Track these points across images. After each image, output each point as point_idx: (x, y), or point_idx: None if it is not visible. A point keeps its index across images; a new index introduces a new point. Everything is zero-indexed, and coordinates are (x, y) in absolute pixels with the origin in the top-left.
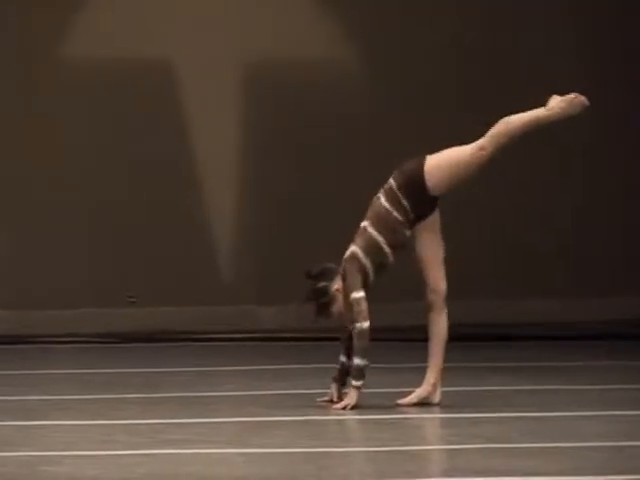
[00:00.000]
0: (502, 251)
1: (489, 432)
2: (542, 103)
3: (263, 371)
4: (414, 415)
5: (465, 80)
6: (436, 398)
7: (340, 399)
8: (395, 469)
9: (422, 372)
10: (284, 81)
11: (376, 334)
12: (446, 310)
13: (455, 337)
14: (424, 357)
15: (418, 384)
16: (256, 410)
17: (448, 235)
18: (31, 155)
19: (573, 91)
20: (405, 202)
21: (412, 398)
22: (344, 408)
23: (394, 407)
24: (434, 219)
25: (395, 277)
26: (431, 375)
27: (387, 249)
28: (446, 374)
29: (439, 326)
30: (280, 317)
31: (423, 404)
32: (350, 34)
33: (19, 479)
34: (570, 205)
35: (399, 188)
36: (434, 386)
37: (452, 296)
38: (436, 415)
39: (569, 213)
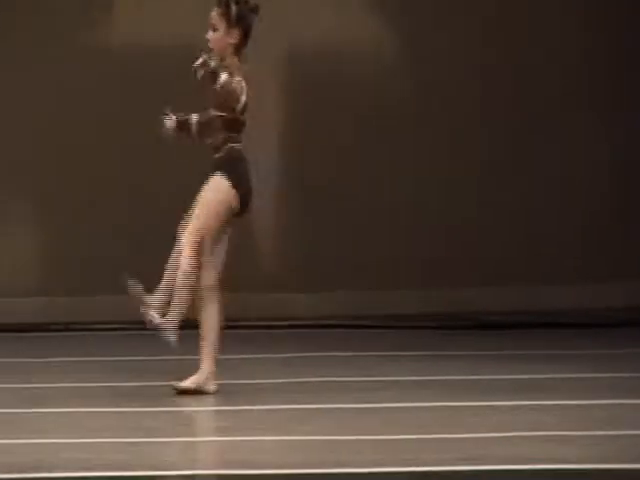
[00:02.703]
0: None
1: (529, 419)
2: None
3: (303, 358)
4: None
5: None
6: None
7: None
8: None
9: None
10: (321, 69)
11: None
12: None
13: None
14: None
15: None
16: (300, 397)
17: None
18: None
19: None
20: None
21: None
22: None
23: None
24: None
25: None
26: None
27: None
28: (480, 362)
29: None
30: (320, 305)
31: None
32: (387, 20)
33: (55, 466)
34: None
35: None
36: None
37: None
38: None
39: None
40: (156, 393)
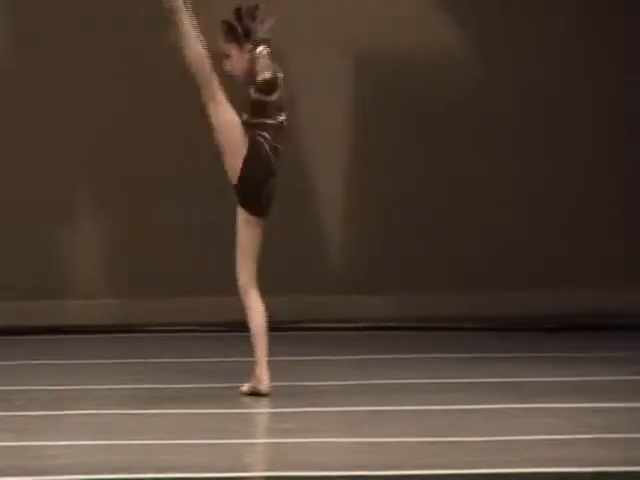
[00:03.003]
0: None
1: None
2: None
3: (372, 360)
4: (517, 405)
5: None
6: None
7: None
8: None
9: None
10: (393, 67)
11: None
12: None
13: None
14: None
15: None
16: (367, 399)
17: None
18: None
19: None
20: None
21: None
22: None
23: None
24: None
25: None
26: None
27: None
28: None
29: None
30: (389, 307)
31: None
32: (458, 19)
33: (134, 467)
34: None
35: None
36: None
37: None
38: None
39: None
40: (229, 394)
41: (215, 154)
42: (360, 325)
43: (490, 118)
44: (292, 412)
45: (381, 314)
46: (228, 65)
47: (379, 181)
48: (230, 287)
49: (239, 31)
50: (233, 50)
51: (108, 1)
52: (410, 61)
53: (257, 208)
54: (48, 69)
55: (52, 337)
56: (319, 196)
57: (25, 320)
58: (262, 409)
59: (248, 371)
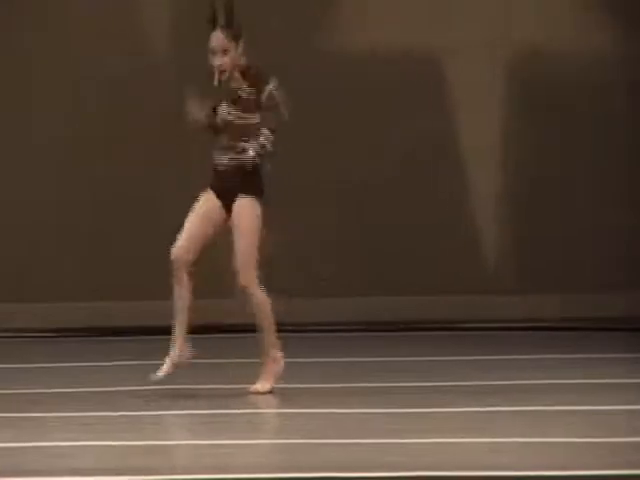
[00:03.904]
0: None
1: None
2: None
3: (516, 361)
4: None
5: None
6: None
7: None
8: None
9: None
10: (545, 67)
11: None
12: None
13: None
14: None
15: None
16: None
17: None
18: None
19: None
20: None
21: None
22: None
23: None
24: None
25: None
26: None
27: None
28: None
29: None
30: (540, 306)
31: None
32: (608, 19)
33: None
34: None
35: None
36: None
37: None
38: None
39: None
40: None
41: None
42: (504, 325)
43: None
44: (431, 412)
45: (530, 314)
46: (224, 61)
47: (534, 178)
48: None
49: (240, 30)
50: (231, 45)
51: None
52: (556, 63)
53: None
54: None
55: None
56: (477, 193)
57: None
58: (411, 409)
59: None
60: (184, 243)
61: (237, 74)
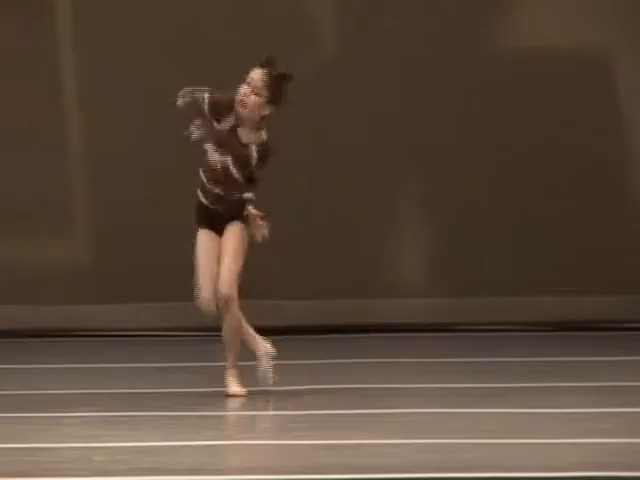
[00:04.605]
0: None
1: None
2: None
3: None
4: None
5: None
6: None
7: None
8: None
9: None
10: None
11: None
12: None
13: None
14: None
15: None
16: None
17: None
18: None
19: None
20: None
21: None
22: None
23: None
24: None
25: None
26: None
27: None
28: None
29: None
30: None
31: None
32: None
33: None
34: None
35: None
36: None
37: None
38: None
39: None
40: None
41: None
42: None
43: None
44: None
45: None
46: (252, 101)
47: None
48: None
49: (283, 94)
50: (264, 94)
51: None
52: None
53: None
54: None
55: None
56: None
57: None
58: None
59: None
60: (209, 288)
61: (254, 126)
